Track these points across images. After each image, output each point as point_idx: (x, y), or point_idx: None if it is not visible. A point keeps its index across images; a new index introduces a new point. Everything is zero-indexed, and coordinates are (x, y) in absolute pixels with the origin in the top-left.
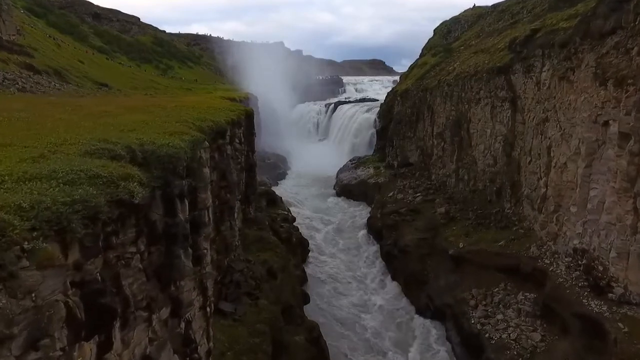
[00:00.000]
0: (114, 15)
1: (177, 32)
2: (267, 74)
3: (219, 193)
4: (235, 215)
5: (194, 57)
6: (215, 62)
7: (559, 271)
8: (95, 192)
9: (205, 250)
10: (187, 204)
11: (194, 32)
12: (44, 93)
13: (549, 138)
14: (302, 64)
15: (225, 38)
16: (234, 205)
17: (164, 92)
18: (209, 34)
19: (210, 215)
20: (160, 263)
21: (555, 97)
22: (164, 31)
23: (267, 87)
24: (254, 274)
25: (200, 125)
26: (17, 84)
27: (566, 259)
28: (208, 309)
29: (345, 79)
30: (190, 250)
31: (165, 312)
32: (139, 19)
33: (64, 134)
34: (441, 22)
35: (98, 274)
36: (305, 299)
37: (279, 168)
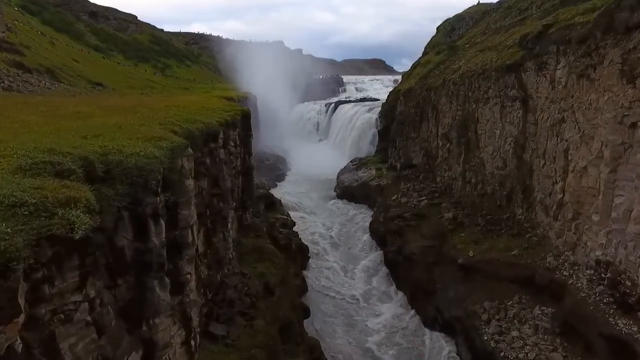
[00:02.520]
0: (110, 13)
1: (178, 30)
2: (267, 73)
3: (210, 202)
4: (229, 225)
5: (193, 56)
6: (214, 61)
7: (579, 285)
8: (10, 229)
9: (189, 275)
10: (163, 224)
11: (193, 31)
12: (31, 92)
13: (566, 140)
14: (302, 63)
15: (224, 37)
16: (228, 214)
17: (161, 92)
18: (209, 33)
19: (195, 235)
20: (130, 298)
21: (573, 97)
22: (162, 30)
23: (266, 87)
24: (250, 289)
25: (188, 128)
26: (4, 82)
27: (587, 272)
28: (193, 342)
29: (345, 78)
30: (167, 279)
31: (135, 358)
32: (136, 17)
33: (2, 143)
34: (444, 19)
35: (18, 343)
36: (306, 312)
37: (278, 169)
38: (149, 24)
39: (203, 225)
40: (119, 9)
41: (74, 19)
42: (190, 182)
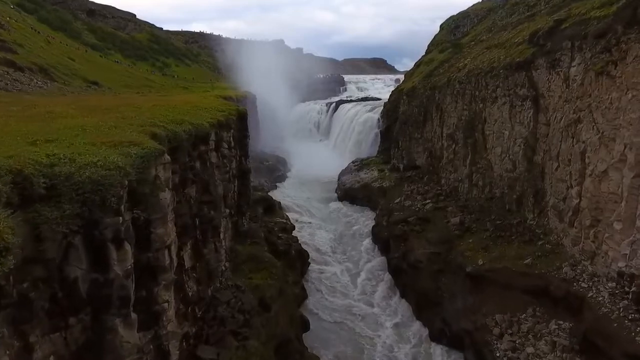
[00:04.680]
0: (109, 11)
1: (180, 29)
2: (267, 72)
3: (200, 210)
4: (222, 234)
5: (192, 54)
6: (213, 60)
7: (600, 298)
8: None
9: (166, 304)
10: (129, 248)
11: (193, 30)
12: (20, 91)
13: (583, 142)
14: (303, 62)
15: (224, 36)
16: (219, 224)
17: (159, 91)
18: (209, 32)
19: (173, 256)
20: (84, 341)
21: (590, 95)
22: (161, 28)
23: (266, 86)
24: (243, 305)
25: (174, 130)
26: None
27: (609, 284)
28: None
29: (346, 77)
30: (134, 316)
31: None
32: (135, 15)
33: None
34: (448, 17)
35: None
36: (305, 325)
37: (278, 170)
38: (147, 23)
39: (191, 237)
40: (118, 7)
41: (72, 17)
42: (166, 195)
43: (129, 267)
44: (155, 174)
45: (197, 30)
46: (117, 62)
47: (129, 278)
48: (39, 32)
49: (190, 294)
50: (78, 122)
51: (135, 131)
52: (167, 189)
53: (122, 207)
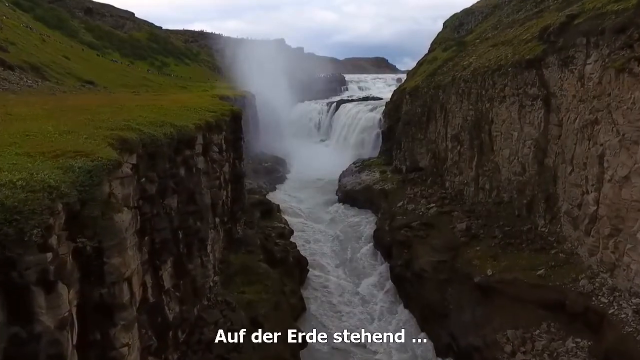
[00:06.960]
0: (107, 10)
1: (181, 28)
2: (267, 71)
3: (183, 222)
4: (209, 248)
5: (191, 54)
6: (213, 59)
7: (623, 316)
8: None
9: (126, 348)
10: (65, 292)
11: (193, 29)
12: (5, 90)
13: (601, 145)
14: (303, 62)
15: (224, 35)
16: (207, 236)
17: (156, 90)
18: (210, 32)
19: (135, 289)
20: None
21: (609, 94)
22: (160, 27)
23: (266, 85)
24: (233, 325)
25: (152, 133)
26: None
27: (633, 300)
28: None
29: (348, 77)
30: None
31: None
32: (133, 14)
33: None
34: (451, 15)
35: None
36: (303, 341)
37: (277, 172)
38: (146, 22)
39: (173, 253)
40: (116, 6)
41: (69, 15)
42: (123, 217)
43: (66, 314)
44: (110, 192)
45: (197, 29)
46: (115, 61)
47: (63, 330)
48: (32, 30)
49: (171, 316)
50: (27, 127)
51: (98, 136)
52: (125, 208)
53: (54, 238)
